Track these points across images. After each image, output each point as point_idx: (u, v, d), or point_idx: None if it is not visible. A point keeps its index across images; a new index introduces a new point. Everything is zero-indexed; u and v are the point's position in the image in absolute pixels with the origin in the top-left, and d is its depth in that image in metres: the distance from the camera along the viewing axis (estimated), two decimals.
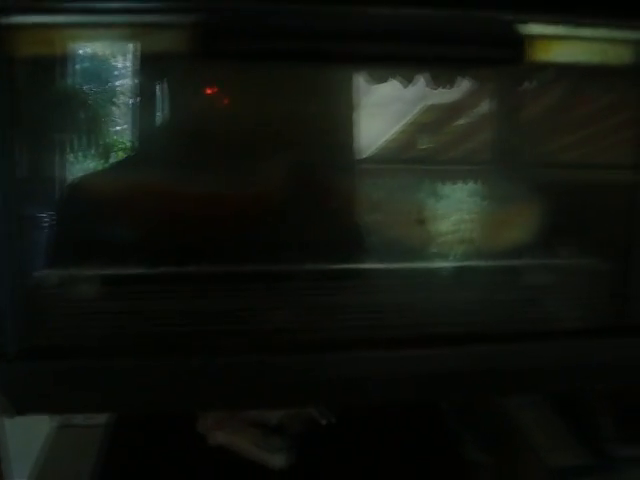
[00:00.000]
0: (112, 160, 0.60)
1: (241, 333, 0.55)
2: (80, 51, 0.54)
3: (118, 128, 0.60)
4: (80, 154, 0.58)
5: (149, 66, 0.56)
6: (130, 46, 0.53)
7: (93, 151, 0.59)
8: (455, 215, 0.59)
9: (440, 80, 0.55)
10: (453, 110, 0.60)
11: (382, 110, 0.58)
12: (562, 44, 0.52)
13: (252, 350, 0.55)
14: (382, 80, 0.55)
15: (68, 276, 0.55)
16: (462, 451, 0.81)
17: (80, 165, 0.58)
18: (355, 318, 0.56)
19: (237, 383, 0.56)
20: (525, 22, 0.49)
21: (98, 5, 0.47)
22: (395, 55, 0.48)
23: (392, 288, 0.58)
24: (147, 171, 0.59)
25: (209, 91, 0.59)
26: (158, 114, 0.61)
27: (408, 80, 0.54)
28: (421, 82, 0.55)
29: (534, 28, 0.50)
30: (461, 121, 0.60)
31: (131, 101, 0.60)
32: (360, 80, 0.57)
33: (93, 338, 0.53)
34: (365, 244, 0.59)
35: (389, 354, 0.56)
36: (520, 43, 0.49)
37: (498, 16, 0.48)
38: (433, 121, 0.60)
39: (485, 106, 0.60)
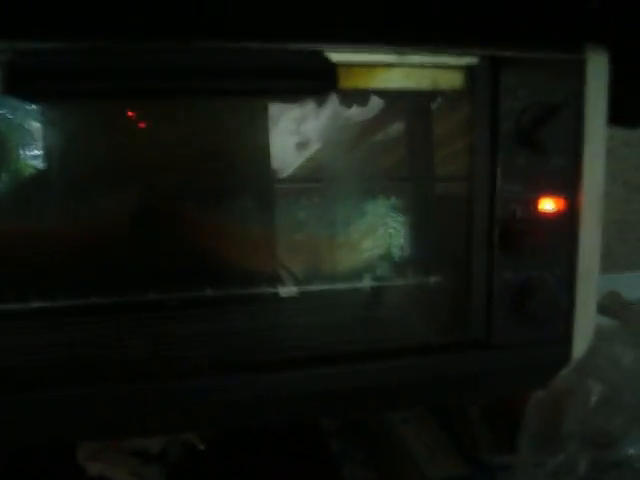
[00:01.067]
0: None
1: (100, 364, 0.55)
2: None
3: None
4: None
5: None
6: None
7: None
8: (301, 238, 0.60)
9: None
10: (297, 135, 0.60)
11: (226, 138, 0.59)
12: (385, 72, 0.54)
13: (114, 380, 0.54)
14: (223, 111, 0.57)
15: None
16: (344, 468, 0.82)
17: None
18: (209, 345, 0.57)
19: (101, 413, 0.55)
20: (341, 51, 0.51)
21: None
22: (211, 88, 0.49)
23: (240, 314, 0.58)
24: None
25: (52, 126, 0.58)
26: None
27: (233, 111, 0.56)
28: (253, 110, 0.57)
29: (353, 57, 0.52)
30: (304, 145, 0.61)
31: None
32: (198, 111, 0.57)
33: None
34: (218, 271, 0.59)
35: (255, 377, 0.56)
36: (332, 73, 0.50)
37: (314, 47, 0.50)
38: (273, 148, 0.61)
39: (326, 130, 0.61)
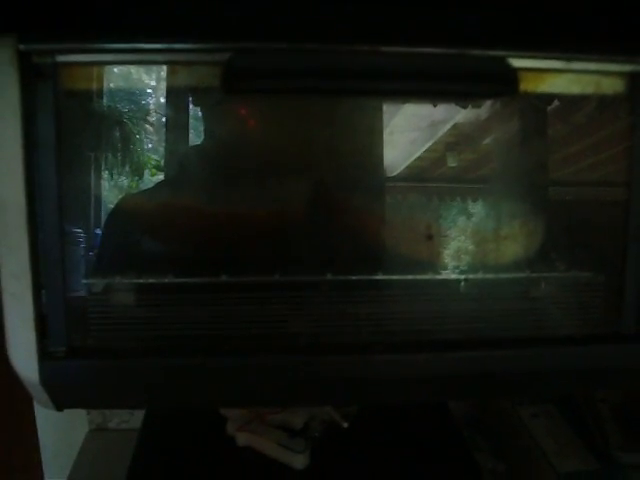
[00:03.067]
0: (147, 181, 0.65)
1: (264, 337, 0.59)
2: (120, 83, 0.60)
3: (151, 153, 0.66)
4: (120, 176, 0.64)
5: (182, 97, 0.62)
6: (166, 80, 0.59)
7: (130, 173, 0.64)
8: (462, 231, 0.64)
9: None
10: (463, 136, 0.64)
11: (394, 137, 0.63)
12: (555, 77, 0.57)
13: (274, 352, 0.59)
14: (393, 111, 0.61)
15: (110, 284, 0.59)
16: (475, 457, 0.85)
17: (120, 185, 0.64)
18: (369, 324, 0.60)
19: (259, 382, 0.60)
20: (518, 57, 0.54)
21: (138, 46, 0.52)
22: (400, 89, 0.53)
23: (404, 298, 0.63)
24: (180, 191, 0.64)
25: (237, 118, 0.64)
26: (188, 141, 0.67)
27: (415, 110, 0.60)
28: (428, 111, 0.61)
29: (527, 62, 0.55)
30: (470, 146, 0.65)
31: (164, 128, 0.66)
32: (372, 110, 0.62)
33: (131, 340, 0.58)
34: (379, 257, 0.63)
35: (399, 357, 0.59)
36: (513, 77, 0.54)
37: (492, 53, 0.53)
38: (443, 146, 0.65)
39: (492, 132, 0.64)
